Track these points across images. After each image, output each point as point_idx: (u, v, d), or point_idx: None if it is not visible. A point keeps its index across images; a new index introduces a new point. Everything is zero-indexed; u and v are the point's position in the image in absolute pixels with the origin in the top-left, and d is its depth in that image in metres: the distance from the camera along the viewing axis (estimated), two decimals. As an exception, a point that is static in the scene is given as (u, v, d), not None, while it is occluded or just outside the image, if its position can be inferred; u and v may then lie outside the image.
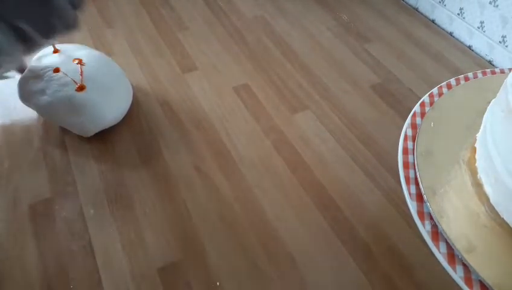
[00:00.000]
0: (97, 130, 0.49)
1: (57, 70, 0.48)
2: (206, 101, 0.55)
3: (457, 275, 0.37)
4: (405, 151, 0.47)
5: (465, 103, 0.51)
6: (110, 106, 0.49)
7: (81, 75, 0.48)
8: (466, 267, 0.37)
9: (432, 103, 0.52)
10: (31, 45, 0.34)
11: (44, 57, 0.50)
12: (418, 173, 0.44)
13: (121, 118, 0.51)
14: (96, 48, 0.62)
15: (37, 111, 0.49)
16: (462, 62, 0.63)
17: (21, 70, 0.48)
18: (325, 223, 0.43)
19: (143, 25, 0.68)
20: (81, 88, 0.47)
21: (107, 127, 0.49)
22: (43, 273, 0.38)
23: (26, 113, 0.52)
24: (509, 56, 0.61)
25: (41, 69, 0.48)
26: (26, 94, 0.49)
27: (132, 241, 0.41)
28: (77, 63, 0.49)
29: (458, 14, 0.67)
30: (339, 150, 0.50)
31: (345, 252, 0.41)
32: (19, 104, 0.51)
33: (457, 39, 0.68)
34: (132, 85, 0.55)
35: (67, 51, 0.51)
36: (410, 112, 0.52)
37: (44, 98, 0.47)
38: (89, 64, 0.50)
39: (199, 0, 0.74)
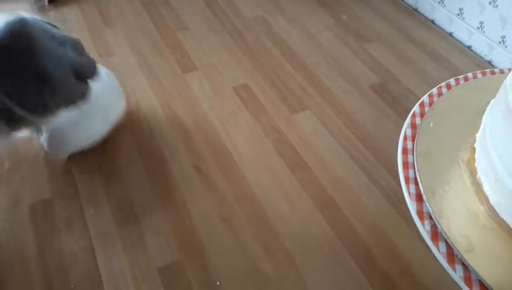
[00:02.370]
0: (62, 154, 0.45)
1: None
2: (206, 101, 0.55)
3: (457, 275, 0.37)
4: (405, 151, 0.47)
5: (465, 103, 0.51)
6: (76, 131, 0.44)
7: None
8: (466, 267, 0.37)
9: (431, 103, 0.52)
10: (24, 126, 0.30)
11: None
12: (417, 173, 0.44)
13: (90, 145, 0.46)
14: (96, 48, 0.62)
15: None
16: (462, 62, 0.63)
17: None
18: (324, 223, 0.43)
19: (143, 25, 0.68)
20: None
21: (73, 151, 0.46)
22: (43, 273, 0.38)
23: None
24: (508, 56, 0.61)
25: None
26: None
27: (132, 241, 0.41)
28: None
29: (458, 14, 0.67)
30: (338, 150, 0.50)
31: (344, 252, 0.41)
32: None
33: (456, 39, 0.68)
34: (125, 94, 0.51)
35: None
36: (409, 112, 0.52)
37: None
38: None
39: (199, 0, 0.74)
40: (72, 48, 0.31)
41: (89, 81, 0.34)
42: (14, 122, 0.28)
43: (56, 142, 0.44)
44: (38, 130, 0.44)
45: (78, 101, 0.33)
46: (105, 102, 0.46)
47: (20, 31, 0.27)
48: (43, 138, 0.44)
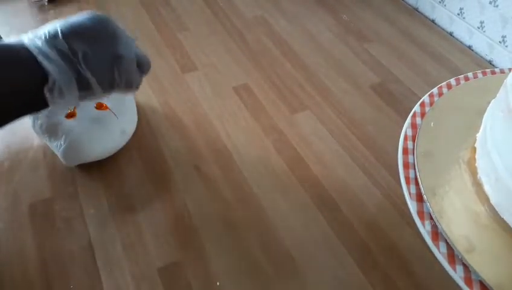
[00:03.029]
0: (75, 163, 0.45)
1: None
2: (206, 101, 0.55)
3: (457, 275, 0.37)
4: (405, 151, 0.47)
5: (465, 103, 0.51)
6: (93, 143, 0.44)
7: None
8: (466, 267, 0.37)
9: (432, 103, 0.52)
10: (88, 94, 0.35)
11: None
12: (418, 173, 0.44)
13: (104, 157, 0.46)
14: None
15: (33, 128, 0.47)
16: (462, 62, 0.63)
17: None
18: (324, 223, 0.43)
19: (143, 25, 0.68)
20: (70, 115, 0.45)
21: (85, 162, 0.46)
22: (43, 273, 0.38)
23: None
24: (509, 56, 0.61)
25: None
26: None
27: (132, 241, 0.41)
28: None
29: (458, 14, 0.67)
30: (338, 149, 0.50)
31: (344, 251, 0.41)
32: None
33: (457, 39, 0.68)
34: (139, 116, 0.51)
35: None
36: (410, 112, 0.52)
37: (39, 118, 0.45)
38: None
39: (199, 0, 0.74)
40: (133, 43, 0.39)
41: (143, 74, 0.40)
42: (83, 91, 0.34)
43: (72, 152, 0.44)
44: (52, 137, 0.45)
45: (133, 88, 0.39)
46: (123, 117, 0.47)
47: (107, 21, 0.35)
48: (58, 146, 0.44)
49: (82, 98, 0.34)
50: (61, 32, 0.32)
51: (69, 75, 0.32)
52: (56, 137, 0.44)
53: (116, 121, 0.46)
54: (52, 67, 0.31)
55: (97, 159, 0.46)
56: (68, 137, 0.44)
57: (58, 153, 0.45)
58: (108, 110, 0.46)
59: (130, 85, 0.38)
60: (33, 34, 0.32)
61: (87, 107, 0.45)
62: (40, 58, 0.31)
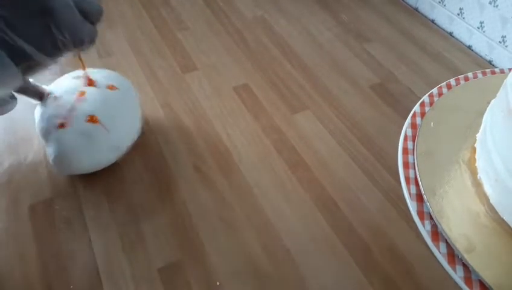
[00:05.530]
0: (65, 174, 0.44)
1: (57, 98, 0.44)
2: (206, 101, 0.55)
3: (457, 275, 0.37)
4: (405, 151, 0.47)
5: (465, 103, 0.51)
6: (81, 157, 0.42)
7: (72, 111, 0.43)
8: (466, 267, 0.37)
9: (431, 103, 0.52)
10: (33, 65, 0.30)
11: (64, 80, 0.47)
12: (418, 173, 0.44)
13: (96, 170, 0.45)
14: (96, 48, 0.62)
15: (36, 129, 0.46)
16: (462, 62, 0.63)
17: (40, 96, 0.43)
18: (324, 223, 0.43)
19: (143, 25, 0.68)
20: (62, 125, 0.42)
21: (76, 173, 0.44)
22: (43, 273, 0.38)
23: (27, 113, 0.52)
24: (509, 56, 0.61)
25: (49, 93, 0.45)
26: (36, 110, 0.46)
27: (132, 241, 0.41)
28: (78, 96, 0.43)
29: (458, 14, 0.67)
30: (338, 150, 0.50)
31: (344, 252, 0.41)
32: (19, 104, 0.51)
33: (457, 39, 0.68)
34: (142, 127, 0.49)
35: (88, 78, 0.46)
36: (410, 112, 0.52)
37: (40, 122, 0.44)
38: (90, 102, 0.43)
39: (199, 0, 0.74)
40: None
41: (94, 22, 0.33)
42: (23, 63, 0.28)
43: (61, 163, 0.43)
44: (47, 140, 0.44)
45: (87, 43, 0.32)
46: (117, 133, 0.44)
47: None
48: (50, 154, 0.43)
49: (27, 72, 0.29)
50: None
51: None
52: (48, 145, 0.43)
53: (107, 136, 0.43)
54: None
55: (88, 172, 0.44)
56: (57, 148, 0.42)
57: (51, 160, 0.43)
58: (98, 124, 0.43)
59: (81, 40, 0.31)
60: None
61: (78, 119, 0.43)
62: None
